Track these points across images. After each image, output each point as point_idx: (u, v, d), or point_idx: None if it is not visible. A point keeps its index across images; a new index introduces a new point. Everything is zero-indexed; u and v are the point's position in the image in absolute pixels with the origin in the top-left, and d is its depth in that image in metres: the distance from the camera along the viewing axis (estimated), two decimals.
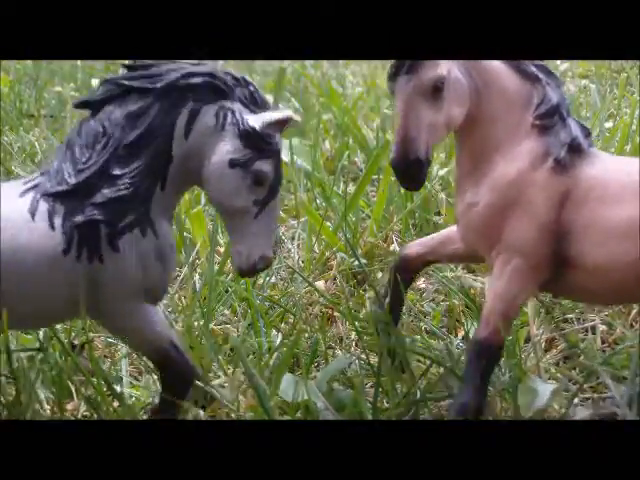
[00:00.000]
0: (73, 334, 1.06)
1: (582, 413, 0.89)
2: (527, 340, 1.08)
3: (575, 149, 0.84)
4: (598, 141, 1.86)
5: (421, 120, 0.83)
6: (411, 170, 0.83)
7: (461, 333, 1.12)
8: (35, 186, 0.80)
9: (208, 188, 0.81)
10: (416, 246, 0.98)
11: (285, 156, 1.84)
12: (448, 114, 0.84)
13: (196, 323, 1.08)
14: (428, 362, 0.97)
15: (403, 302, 1.00)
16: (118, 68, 3.27)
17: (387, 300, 0.99)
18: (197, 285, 1.20)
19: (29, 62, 3.13)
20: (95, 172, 0.79)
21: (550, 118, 0.85)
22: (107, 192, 0.79)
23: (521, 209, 0.83)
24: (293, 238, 1.47)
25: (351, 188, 1.53)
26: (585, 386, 0.95)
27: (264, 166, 0.80)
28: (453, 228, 0.94)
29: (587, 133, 0.86)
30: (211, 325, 1.11)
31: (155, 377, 0.95)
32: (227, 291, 1.23)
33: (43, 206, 0.78)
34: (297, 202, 1.52)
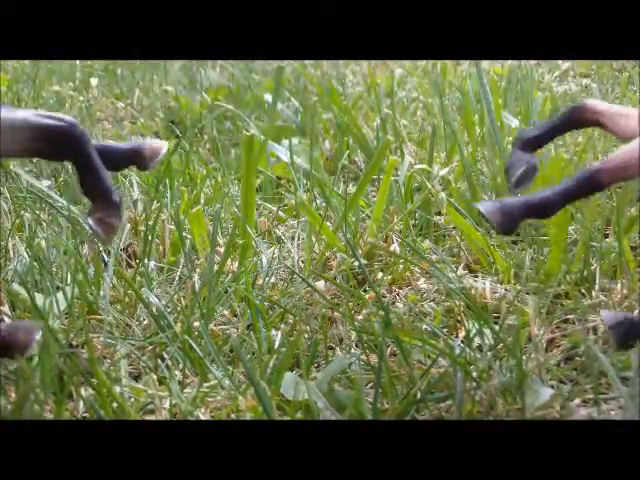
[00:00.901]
0: (72, 335, 1.06)
1: (582, 413, 0.88)
2: (528, 340, 1.07)
3: None
4: (599, 140, 1.86)
5: None
6: None
7: (461, 333, 1.12)
8: None
9: None
10: (598, 103, 0.96)
11: (285, 156, 1.86)
12: None
13: (196, 323, 1.08)
14: (428, 362, 0.97)
15: (551, 139, 0.99)
16: (117, 68, 3.26)
17: (542, 124, 0.99)
18: (196, 285, 1.20)
19: (27, 61, 3.13)
20: None
21: None
22: None
23: None
24: (293, 238, 1.46)
25: (351, 188, 1.53)
26: (586, 386, 0.95)
27: None
28: (635, 109, 0.96)
29: None
30: (211, 325, 1.11)
31: (155, 377, 0.95)
32: (227, 292, 1.23)
33: None
34: (297, 202, 1.52)
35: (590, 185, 0.88)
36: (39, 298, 1.10)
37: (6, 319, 1.10)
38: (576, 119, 1.00)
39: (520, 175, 0.97)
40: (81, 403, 0.92)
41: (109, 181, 0.88)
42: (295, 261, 1.37)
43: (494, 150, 1.65)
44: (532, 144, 1.00)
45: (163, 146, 0.92)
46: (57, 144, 0.84)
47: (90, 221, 0.87)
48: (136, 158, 0.91)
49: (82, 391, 0.91)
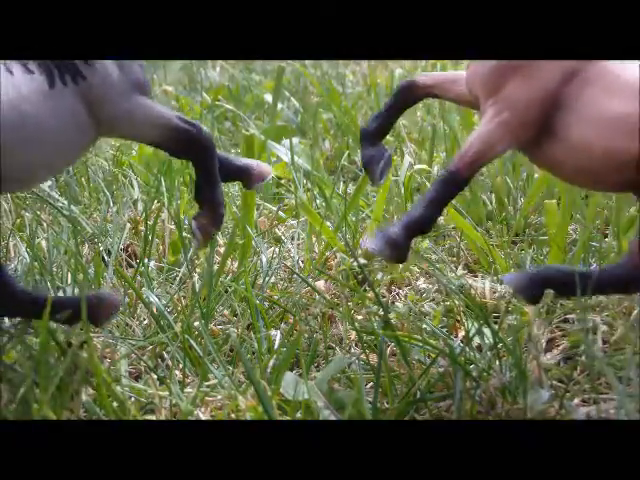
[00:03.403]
0: (72, 335, 1.06)
1: (582, 413, 0.89)
2: (528, 340, 1.08)
3: None
4: None
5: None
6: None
7: (461, 333, 1.12)
8: None
9: None
10: (428, 77, 1.03)
11: (285, 156, 1.86)
12: None
13: (196, 323, 1.08)
14: (428, 362, 0.97)
15: (392, 124, 1.06)
16: None
17: (378, 113, 1.05)
18: (197, 285, 1.20)
19: None
20: None
21: None
22: None
23: (529, 72, 0.89)
24: (293, 238, 1.46)
25: (351, 188, 1.53)
26: (586, 386, 0.95)
27: None
28: (463, 72, 1.00)
29: None
30: (211, 325, 1.11)
31: (155, 377, 0.95)
32: (227, 291, 1.23)
33: (15, 62, 0.85)
34: (297, 202, 1.52)
35: (454, 184, 0.92)
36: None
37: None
38: (408, 96, 1.05)
39: (381, 168, 1.03)
40: (83, 400, 0.92)
41: (222, 193, 0.97)
42: (295, 261, 1.37)
43: None
44: (377, 135, 1.05)
45: (269, 172, 1.01)
46: (188, 148, 0.94)
47: (193, 224, 0.96)
48: (243, 176, 0.99)
49: (82, 391, 0.91)
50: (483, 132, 0.91)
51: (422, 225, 0.91)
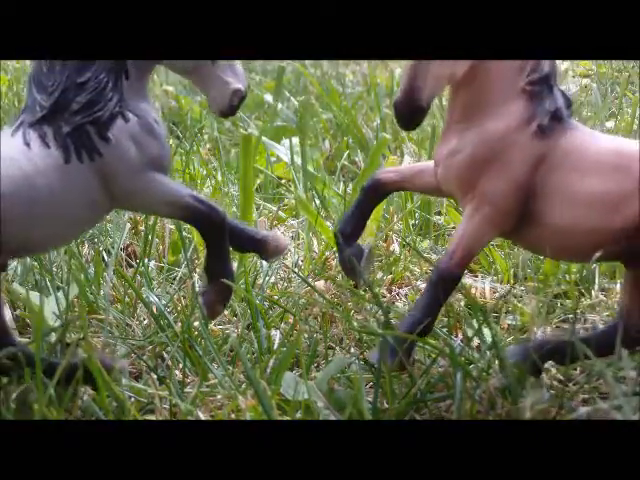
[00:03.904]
0: (70, 334, 1.06)
1: (581, 413, 0.88)
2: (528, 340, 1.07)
3: (557, 118, 0.91)
4: None
5: (429, 72, 0.89)
6: (413, 116, 0.91)
7: (461, 333, 1.12)
8: (21, 123, 0.89)
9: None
10: (392, 172, 1.04)
11: (285, 155, 1.86)
12: (454, 68, 0.90)
13: (196, 323, 1.08)
14: (428, 362, 0.97)
15: (365, 222, 1.06)
16: None
17: (349, 214, 1.05)
18: (197, 285, 1.20)
19: (27, 62, 3.13)
20: (63, 88, 0.88)
21: (540, 86, 0.91)
22: (79, 99, 0.88)
23: (500, 165, 0.90)
24: (293, 238, 1.46)
25: (351, 188, 1.53)
26: (585, 386, 0.95)
27: None
28: (429, 163, 1.01)
29: (569, 104, 0.93)
30: (211, 325, 1.11)
31: (155, 377, 0.95)
32: None
33: (33, 134, 0.87)
34: (295, 199, 1.52)
35: (447, 283, 0.93)
36: (38, 297, 1.10)
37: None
38: (375, 196, 1.05)
39: (363, 267, 1.04)
40: (83, 400, 0.92)
41: (232, 269, 0.97)
42: (295, 261, 1.37)
43: None
44: (351, 237, 1.05)
45: (287, 245, 1.01)
46: (199, 225, 0.95)
47: (200, 300, 0.97)
48: (259, 248, 0.99)
49: (81, 390, 0.91)
50: (468, 229, 0.93)
51: (422, 330, 0.92)
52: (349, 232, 1.04)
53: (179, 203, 0.93)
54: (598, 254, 0.86)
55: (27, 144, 0.86)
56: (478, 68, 0.90)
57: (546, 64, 0.91)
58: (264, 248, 0.98)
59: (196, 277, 1.25)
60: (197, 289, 1.17)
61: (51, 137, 0.87)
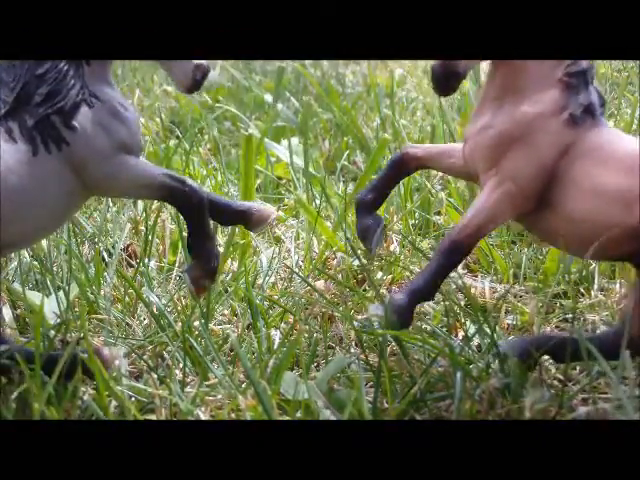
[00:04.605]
0: (70, 333, 1.06)
1: (581, 413, 0.89)
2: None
3: (590, 112, 0.91)
4: None
5: None
6: (448, 80, 0.91)
7: (461, 332, 1.12)
8: None
9: None
10: (419, 149, 1.04)
11: (285, 156, 1.86)
12: None
13: (196, 323, 1.08)
14: (428, 362, 0.97)
15: (386, 195, 1.07)
16: (117, 68, 3.24)
17: (372, 184, 1.06)
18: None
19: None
20: (25, 82, 0.88)
21: (577, 78, 0.92)
22: (41, 90, 0.88)
23: (528, 146, 0.91)
24: (293, 238, 1.47)
25: (351, 188, 1.53)
26: (586, 386, 0.95)
27: None
28: (456, 145, 1.02)
29: (603, 103, 0.94)
30: (211, 325, 1.11)
31: (155, 376, 0.95)
32: (227, 291, 1.23)
33: (0, 131, 0.87)
34: (295, 199, 1.52)
35: (456, 254, 0.93)
36: (39, 297, 1.10)
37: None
38: (400, 169, 1.06)
39: (376, 239, 1.05)
40: (83, 399, 0.92)
41: (215, 245, 0.97)
42: (295, 261, 1.37)
43: None
44: (372, 205, 1.06)
45: (271, 212, 1.00)
46: (176, 204, 0.95)
47: (187, 277, 0.97)
48: (244, 220, 0.99)
49: (80, 390, 0.91)
50: (486, 203, 0.92)
51: (426, 294, 0.92)
52: (370, 200, 1.04)
53: (154, 184, 0.93)
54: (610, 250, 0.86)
55: None
56: None
57: (584, 62, 0.91)
58: (248, 219, 0.98)
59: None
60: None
61: (17, 132, 0.87)
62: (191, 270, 0.97)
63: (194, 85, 0.94)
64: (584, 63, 0.92)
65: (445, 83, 0.91)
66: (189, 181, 0.94)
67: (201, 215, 0.95)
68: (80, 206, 0.96)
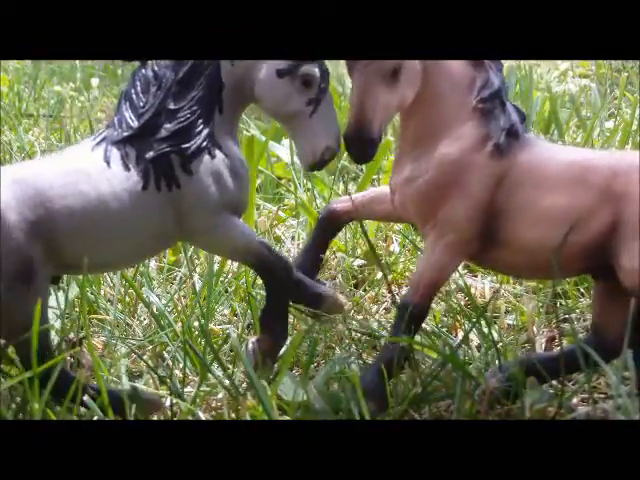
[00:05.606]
0: (72, 334, 1.06)
1: (581, 413, 0.89)
2: (527, 341, 1.08)
3: (513, 134, 0.88)
4: (599, 141, 1.86)
5: (377, 102, 0.87)
6: (365, 149, 0.88)
7: (461, 332, 1.12)
8: (104, 139, 0.87)
9: (262, 102, 0.90)
10: (346, 203, 1.00)
11: (285, 155, 1.85)
12: (402, 96, 0.88)
13: (196, 323, 1.08)
14: (428, 362, 0.97)
15: (323, 253, 1.03)
16: (117, 68, 3.24)
17: (306, 249, 1.02)
18: (197, 285, 1.20)
19: (28, 62, 3.13)
20: (155, 112, 0.86)
21: (492, 102, 0.88)
22: (169, 126, 0.86)
23: (459, 189, 0.87)
24: (293, 238, 1.46)
25: (351, 188, 1.53)
26: (585, 386, 0.95)
27: (310, 68, 0.88)
28: (383, 188, 0.98)
29: (523, 118, 0.90)
30: (211, 325, 1.11)
31: (155, 376, 0.95)
32: (227, 291, 1.23)
33: (115, 153, 0.85)
34: (296, 200, 1.52)
35: (414, 316, 0.90)
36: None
37: None
38: (331, 228, 1.01)
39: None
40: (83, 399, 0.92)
41: (286, 326, 0.95)
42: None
43: None
44: (312, 271, 0.99)
45: (345, 304, 0.98)
46: (264, 276, 0.93)
47: (250, 347, 0.94)
48: (317, 305, 0.96)
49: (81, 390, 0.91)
50: (431, 260, 0.90)
51: (396, 364, 0.89)
52: (308, 267, 1.00)
53: (249, 251, 0.91)
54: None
55: (107, 162, 0.84)
56: (426, 92, 0.88)
57: (496, 79, 0.88)
58: (322, 303, 0.96)
59: (196, 277, 1.25)
60: (197, 289, 1.17)
61: (133, 159, 0.85)
62: (258, 341, 0.94)
63: (319, 164, 0.91)
64: (496, 82, 0.88)
65: (362, 152, 0.87)
66: (282, 255, 0.93)
67: (283, 291, 0.93)
68: (165, 249, 0.95)
